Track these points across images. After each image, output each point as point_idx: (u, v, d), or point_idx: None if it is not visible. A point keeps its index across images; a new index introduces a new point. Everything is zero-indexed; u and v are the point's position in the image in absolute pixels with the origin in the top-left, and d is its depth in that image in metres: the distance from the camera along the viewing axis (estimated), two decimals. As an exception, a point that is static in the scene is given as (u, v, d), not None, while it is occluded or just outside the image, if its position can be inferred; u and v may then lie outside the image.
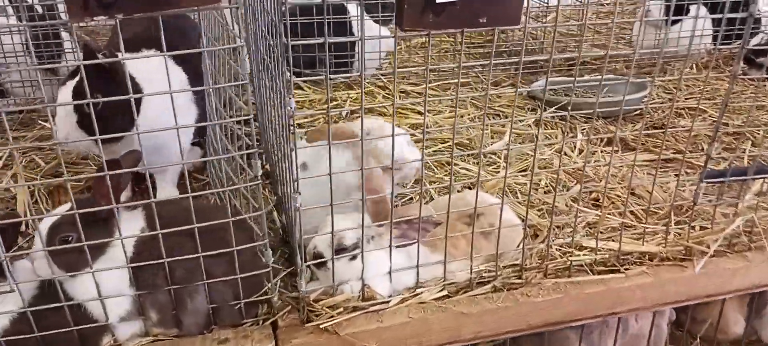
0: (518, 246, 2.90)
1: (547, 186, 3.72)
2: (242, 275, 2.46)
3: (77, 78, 2.75)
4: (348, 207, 2.74)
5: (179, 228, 2.31)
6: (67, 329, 2.35)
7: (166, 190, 3.50)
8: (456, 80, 2.88)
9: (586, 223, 3.09)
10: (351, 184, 2.90)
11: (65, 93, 2.74)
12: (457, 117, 2.64)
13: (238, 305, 2.53)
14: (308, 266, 2.59)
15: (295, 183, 2.31)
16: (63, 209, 2.39)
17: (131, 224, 2.42)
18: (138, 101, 2.82)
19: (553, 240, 2.75)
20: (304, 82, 5.05)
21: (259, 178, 2.31)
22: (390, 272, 2.63)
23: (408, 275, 2.69)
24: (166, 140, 2.90)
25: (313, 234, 2.63)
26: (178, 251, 2.37)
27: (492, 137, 4.33)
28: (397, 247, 2.60)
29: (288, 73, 2.12)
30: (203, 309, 2.46)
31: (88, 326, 2.39)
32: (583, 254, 2.80)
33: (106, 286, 2.34)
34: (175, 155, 2.87)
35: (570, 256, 2.73)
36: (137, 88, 2.73)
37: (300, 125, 4.19)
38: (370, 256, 2.59)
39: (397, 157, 2.84)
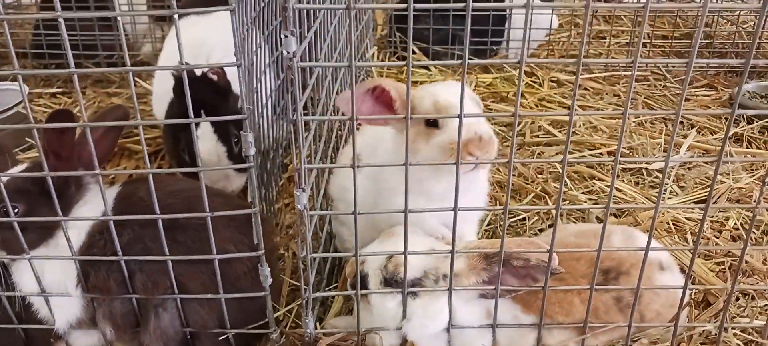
0: (671, 320, 1.81)
1: (736, 228, 2.51)
2: (227, 296, 1.72)
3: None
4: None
5: (141, 216, 1.63)
6: (11, 325, 1.79)
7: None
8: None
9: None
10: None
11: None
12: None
13: (225, 336, 1.79)
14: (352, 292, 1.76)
15: (305, 167, 1.50)
16: (16, 169, 1.82)
17: (94, 206, 1.78)
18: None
19: (730, 319, 1.65)
20: (435, 63, 4.20)
21: (253, 158, 1.54)
22: (449, 328, 1.72)
23: (482, 336, 1.76)
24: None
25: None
26: (140, 248, 1.70)
27: (663, 150, 3.14)
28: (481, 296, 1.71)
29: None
30: (172, 333, 1.76)
31: (35, 326, 1.80)
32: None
33: (48, 279, 1.73)
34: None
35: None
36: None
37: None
38: (431, 302, 1.70)
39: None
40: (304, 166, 1.48)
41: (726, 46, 4.50)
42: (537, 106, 3.59)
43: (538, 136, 3.26)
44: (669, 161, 1.50)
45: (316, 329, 1.75)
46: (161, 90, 2.78)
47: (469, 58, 1.39)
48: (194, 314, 1.76)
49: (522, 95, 3.73)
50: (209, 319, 1.77)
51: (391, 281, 1.69)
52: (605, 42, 4.52)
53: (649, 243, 1.62)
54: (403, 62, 1.41)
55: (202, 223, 1.67)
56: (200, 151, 1.70)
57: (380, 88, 1.77)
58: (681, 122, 3.51)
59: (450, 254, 1.61)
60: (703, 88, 3.97)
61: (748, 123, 3.39)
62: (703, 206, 1.59)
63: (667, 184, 2.80)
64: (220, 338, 1.79)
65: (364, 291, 1.69)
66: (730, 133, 3.25)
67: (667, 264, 1.89)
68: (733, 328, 1.89)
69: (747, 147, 3.21)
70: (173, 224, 1.73)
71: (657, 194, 1.56)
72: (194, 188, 1.77)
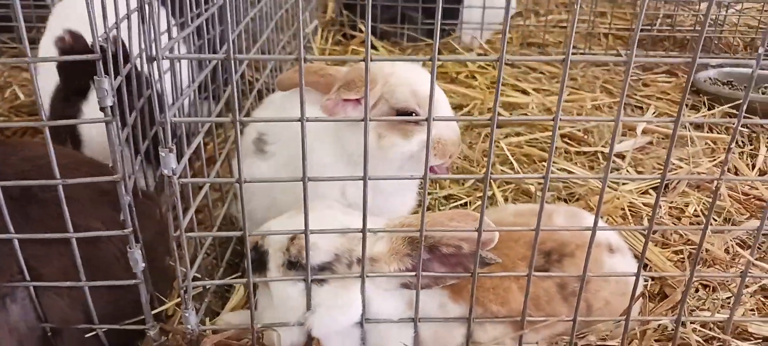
0: (622, 314, 1.55)
1: (696, 215, 2.29)
2: (89, 284, 1.41)
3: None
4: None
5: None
6: None
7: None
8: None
9: (760, 287, 1.69)
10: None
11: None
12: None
13: (94, 333, 1.48)
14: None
15: (171, 120, 1.21)
16: None
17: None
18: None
19: (689, 312, 1.43)
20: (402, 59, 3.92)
21: (110, 110, 1.24)
22: (362, 322, 1.44)
23: (402, 333, 1.48)
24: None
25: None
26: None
27: (623, 134, 2.92)
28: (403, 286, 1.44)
29: None
30: (25, 329, 1.44)
31: None
32: (748, 348, 1.40)
33: None
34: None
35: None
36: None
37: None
38: (342, 291, 1.41)
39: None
40: (170, 119, 1.18)
41: (686, 36, 4.34)
42: (488, 88, 3.34)
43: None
44: (619, 120, 1.25)
45: (203, 325, 1.45)
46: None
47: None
48: (52, 307, 1.44)
49: (473, 77, 3.49)
50: (71, 312, 1.45)
51: (295, 265, 1.41)
52: (565, 30, 4.31)
53: (596, 222, 1.37)
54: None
55: (66, 196, 1.36)
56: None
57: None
58: (640, 107, 3.31)
59: (362, 233, 1.33)
60: (663, 75, 3.78)
61: (709, 109, 3.21)
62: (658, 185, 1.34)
63: (622, 166, 2.58)
64: (88, 335, 1.48)
65: (257, 278, 1.39)
66: (691, 118, 3.06)
67: (617, 246, 1.64)
68: (692, 322, 1.65)
69: (708, 133, 3.01)
70: (27, 196, 1.42)
71: (605, 170, 1.31)
72: (61, 156, 1.45)
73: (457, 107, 3.16)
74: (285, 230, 1.39)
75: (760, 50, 1.19)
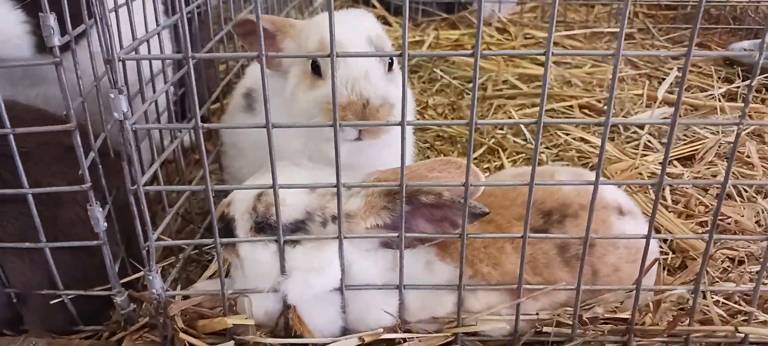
0: (634, 282, 1.40)
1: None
2: (50, 245, 1.32)
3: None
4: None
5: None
6: None
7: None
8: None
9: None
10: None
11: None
12: None
13: (60, 299, 1.39)
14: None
15: (118, 57, 1.10)
16: None
17: None
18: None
19: (709, 283, 1.27)
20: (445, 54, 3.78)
21: (57, 50, 1.14)
22: (342, 289, 1.32)
23: (386, 299, 1.36)
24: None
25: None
26: None
27: (648, 107, 2.73)
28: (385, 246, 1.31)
29: None
30: (-15, 292, 1.36)
31: None
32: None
33: None
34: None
35: (741, 321, 1.24)
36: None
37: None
38: (317, 252, 1.29)
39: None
40: (120, 57, 1.08)
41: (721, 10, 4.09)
42: (506, 62, 3.18)
43: (501, 89, 2.86)
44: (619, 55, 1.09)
45: (171, 289, 1.34)
46: None
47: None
48: (13, 270, 1.36)
49: (488, 48, 3.33)
50: (33, 276, 1.36)
51: (263, 226, 1.29)
52: (593, 10, 4.10)
53: (597, 176, 1.22)
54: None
55: (25, 152, 1.27)
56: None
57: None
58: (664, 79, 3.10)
59: (336, 189, 1.21)
60: (695, 47, 3.55)
61: (743, 80, 2.99)
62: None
63: (641, 137, 2.39)
64: (52, 302, 1.39)
65: (224, 239, 1.28)
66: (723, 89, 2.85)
67: (628, 208, 1.48)
68: (713, 293, 1.48)
69: (741, 104, 2.79)
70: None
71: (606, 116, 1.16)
72: (14, 108, 1.37)
73: (470, 79, 3.00)
74: (251, 185, 1.27)
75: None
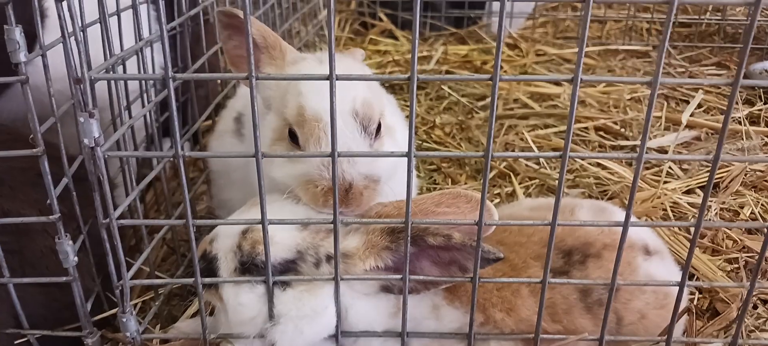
0: (662, 333, 1.26)
1: (753, 217, 1.96)
2: (13, 281, 1.19)
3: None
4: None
5: None
6: None
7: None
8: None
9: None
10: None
11: None
12: None
13: (24, 340, 1.26)
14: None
15: (89, 76, 0.98)
16: None
17: None
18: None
19: (747, 333, 1.13)
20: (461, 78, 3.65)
21: (23, 67, 1.02)
22: (337, 336, 1.18)
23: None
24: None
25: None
26: None
27: (665, 129, 2.60)
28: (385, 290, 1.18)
29: None
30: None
31: None
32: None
33: None
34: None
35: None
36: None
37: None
38: (310, 296, 1.15)
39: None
40: (91, 76, 0.95)
41: (737, 29, 3.96)
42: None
43: (511, 108, 2.73)
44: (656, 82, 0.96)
45: (150, 327, 1.21)
46: None
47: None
48: (-26, 305, 1.23)
49: (501, 66, 3.20)
50: (-2, 313, 1.23)
51: (249, 266, 1.15)
52: (604, 26, 3.97)
53: (628, 216, 1.08)
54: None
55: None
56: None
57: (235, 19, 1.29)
58: (686, 101, 2.97)
59: (332, 225, 1.08)
60: (713, 67, 3.43)
61: (765, 103, 2.86)
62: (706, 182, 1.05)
63: (664, 164, 2.26)
64: (17, 342, 1.26)
65: (206, 279, 1.15)
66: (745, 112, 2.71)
67: (655, 248, 1.34)
68: (750, 345, 1.34)
69: (765, 127, 2.66)
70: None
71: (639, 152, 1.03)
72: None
73: (480, 98, 2.88)
74: (237, 220, 1.14)
75: None
